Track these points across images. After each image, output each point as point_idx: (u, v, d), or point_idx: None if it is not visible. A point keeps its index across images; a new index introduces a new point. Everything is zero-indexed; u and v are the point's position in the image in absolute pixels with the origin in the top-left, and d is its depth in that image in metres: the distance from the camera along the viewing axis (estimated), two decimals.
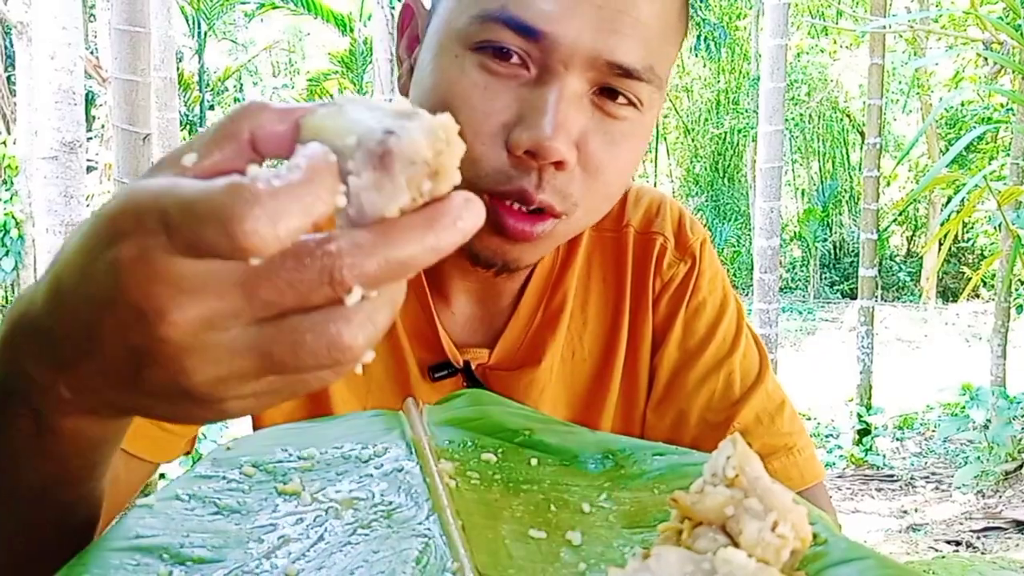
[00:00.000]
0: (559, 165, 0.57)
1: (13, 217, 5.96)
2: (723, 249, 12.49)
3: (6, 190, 6.07)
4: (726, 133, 13.48)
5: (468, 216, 0.31)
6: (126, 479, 0.61)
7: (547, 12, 0.54)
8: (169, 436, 0.64)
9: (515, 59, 0.56)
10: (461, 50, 0.57)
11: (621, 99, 0.58)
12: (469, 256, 0.61)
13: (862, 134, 11.36)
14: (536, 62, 0.56)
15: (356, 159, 0.29)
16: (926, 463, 4.98)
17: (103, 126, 6.88)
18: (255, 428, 0.67)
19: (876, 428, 5.26)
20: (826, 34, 12.04)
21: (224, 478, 0.44)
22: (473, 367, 0.68)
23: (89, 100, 6.66)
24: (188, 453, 0.70)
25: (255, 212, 0.27)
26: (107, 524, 0.49)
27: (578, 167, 0.58)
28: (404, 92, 0.64)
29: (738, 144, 13.56)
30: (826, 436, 5.42)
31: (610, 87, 0.57)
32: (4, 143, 5.99)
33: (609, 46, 0.55)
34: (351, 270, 0.28)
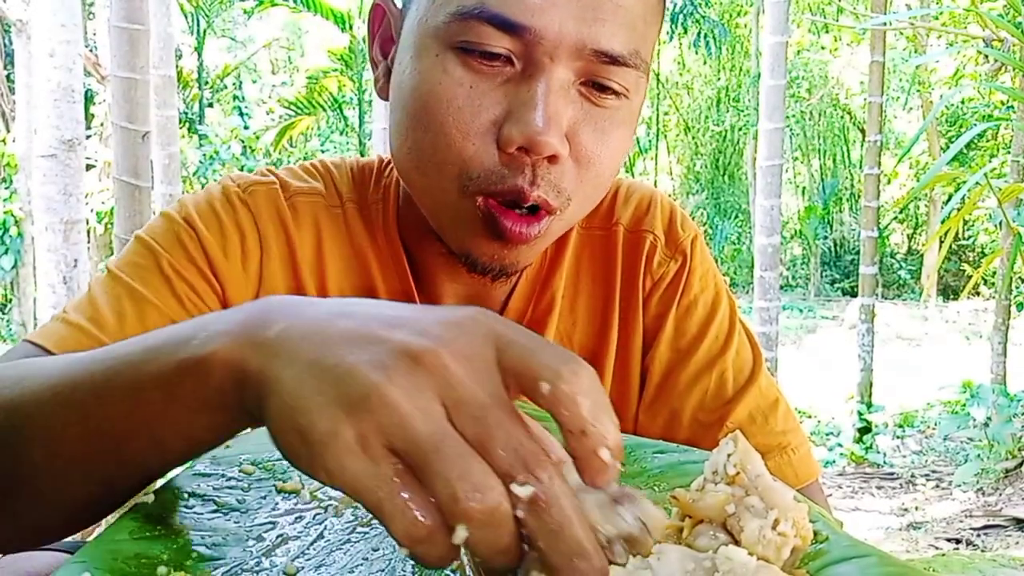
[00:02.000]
0: (552, 159, 0.56)
1: (12, 215, 5.96)
2: (723, 247, 12.48)
3: (5, 188, 6.07)
4: (726, 130, 13.45)
5: None
6: None
7: (528, 5, 0.53)
8: None
9: (499, 56, 0.55)
10: (441, 49, 0.56)
11: (608, 86, 0.57)
12: (466, 263, 0.61)
13: (863, 131, 11.34)
14: (521, 57, 0.55)
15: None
16: (926, 461, 4.98)
17: (102, 124, 6.87)
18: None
19: (876, 426, 5.25)
20: (827, 31, 12.03)
21: (223, 476, 0.44)
22: None
23: (88, 98, 6.65)
24: None
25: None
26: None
27: (569, 159, 0.57)
28: (381, 95, 0.63)
29: (738, 141, 13.54)
30: (826, 434, 5.42)
31: (597, 75, 0.56)
32: (3, 141, 5.99)
33: (594, 34, 0.54)
34: (541, 474, 0.31)
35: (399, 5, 0.63)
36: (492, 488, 0.30)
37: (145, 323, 0.60)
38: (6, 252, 6.07)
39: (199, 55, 9.60)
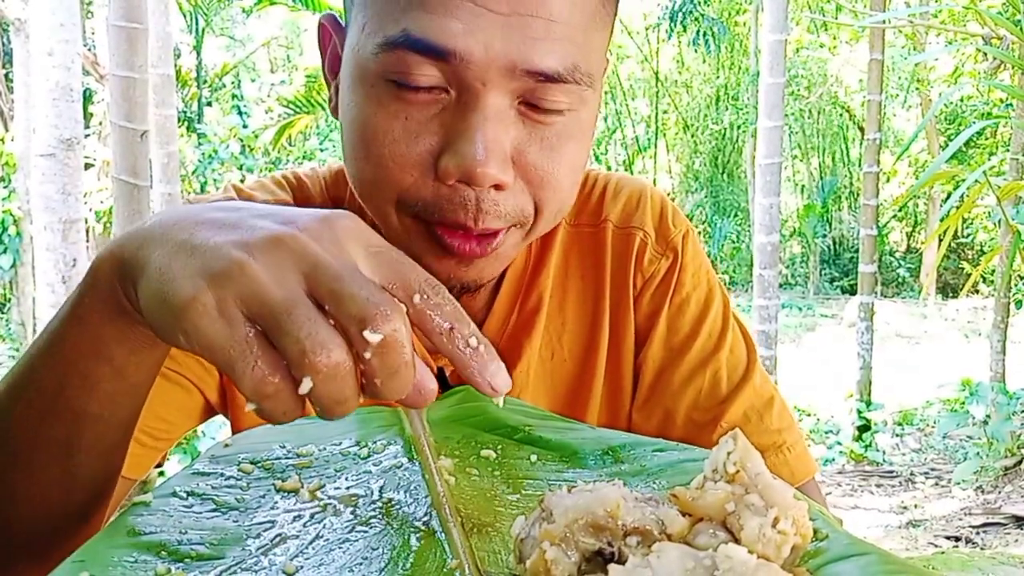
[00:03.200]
0: (497, 187, 0.54)
1: (11, 214, 5.95)
2: (723, 245, 12.47)
3: (4, 187, 6.06)
4: (725, 129, 13.44)
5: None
6: None
7: (451, 29, 0.51)
8: (147, 451, 0.64)
9: (432, 85, 0.53)
10: (375, 79, 0.54)
11: (548, 107, 0.55)
12: None
13: (862, 129, 11.35)
14: (453, 84, 0.53)
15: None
16: (926, 459, 4.99)
17: (101, 123, 6.86)
18: (235, 432, 0.67)
19: (876, 424, 5.25)
20: (825, 29, 12.02)
21: (222, 475, 0.44)
22: (447, 373, 0.67)
23: (87, 97, 6.64)
24: (160, 466, 0.69)
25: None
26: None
27: (521, 181, 0.55)
28: (335, 114, 0.62)
29: (737, 140, 13.53)
30: (826, 432, 5.42)
31: (534, 95, 0.54)
32: (2, 140, 5.98)
33: (524, 53, 0.52)
34: (390, 321, 0.34)
35: (343, 24, 0.61)
36: (338, 346, 0.34)
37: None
38: (5, 251, 6.07)
39: (198, 54, 9.58)
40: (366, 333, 0.34)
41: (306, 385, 0.34)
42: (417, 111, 0.54)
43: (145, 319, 0.37)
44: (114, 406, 0.44)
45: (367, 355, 0.34)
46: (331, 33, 0.63)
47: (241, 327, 0.34)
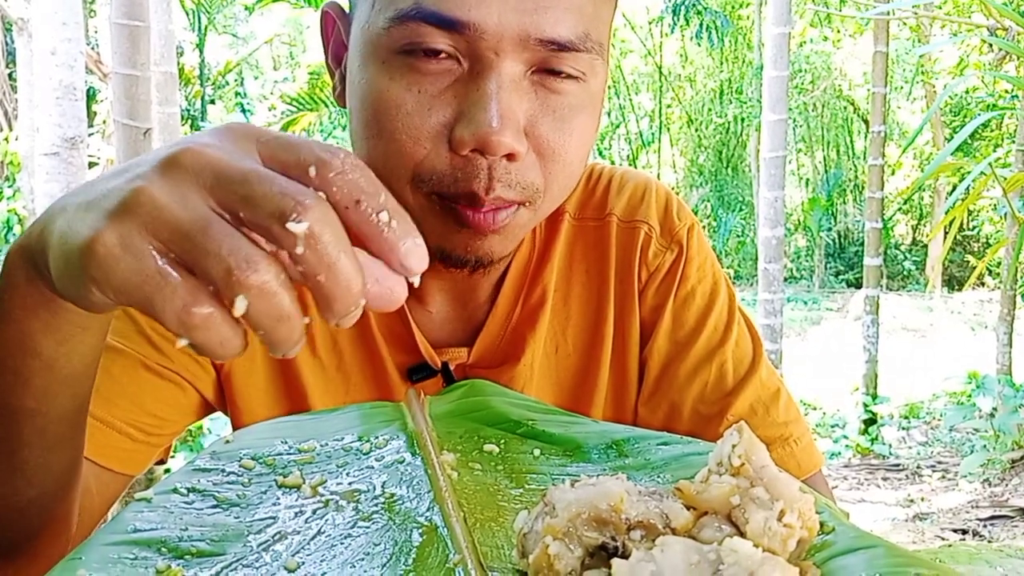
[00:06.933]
0: (510, 157, 0.54)
1: (16, 214, 5.97)
2: (727, 239, 12.46)
3: (8, 187, 6.08)
4: (729, 122, 13.42)
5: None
6: (98, 491, 0.60)
7: (463, 0, 0.51)
8: (140, 446, 0.63)
9: (444, 56, 0.53)
10: (386, 54, 0.54)
11: (562, 74, 0.55)
12: (441, 259, 0.59)
13: (866, 122, 11.30)
14: (466, 54, 0.53)
15: None
16: (932, 452, 4.98)
17: (104, 121, 6.87)
18: (236, 429, 0.66)
19: (882, 417, 5.25)
20: (829, 22, 11.97)
21: (223, 471, 0.44)
22: (452, 367, 0.67)
23: (90, 95, 6.65)
24: (163, 462, 0.69)
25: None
26: (82, 537, 0.49)
27: (532, 153, 0.56)
28: (339, 103, 0.62)
29: (742, 133, 13.51)
30: (832, 426, 5.42)
31: (548, 64, 0.55)
32: (6, 139, 5.99)
33: (537, 23, 0.53)
34: (311, 210, 0.31)
35: (347, 11, 0.62)
36: (264, 256, 0.31)
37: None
38: None
39: (200, 51, 9.59)
40: (289, 225, 0.30)
41: (240, 305, 0.30)
42: (430, 83, 0.54)
43: (59, 292, 0.36)
44: (50, 399, 0.44)
45: (299, 250, 0.31)
46: (334, 20, 0.63)
47: (150, 259, 0.31)
